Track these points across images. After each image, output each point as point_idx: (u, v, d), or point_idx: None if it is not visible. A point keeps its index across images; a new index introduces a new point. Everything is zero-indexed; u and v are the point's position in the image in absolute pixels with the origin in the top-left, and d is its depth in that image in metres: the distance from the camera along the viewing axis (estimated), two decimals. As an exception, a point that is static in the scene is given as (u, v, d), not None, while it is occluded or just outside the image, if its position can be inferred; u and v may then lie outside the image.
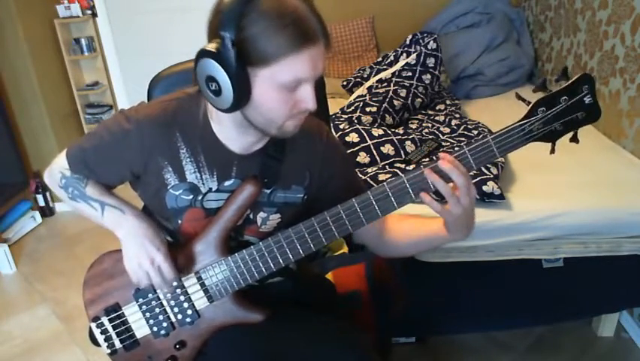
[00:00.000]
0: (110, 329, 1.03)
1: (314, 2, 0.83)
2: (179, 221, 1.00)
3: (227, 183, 0.98)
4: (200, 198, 0.98)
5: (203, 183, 0.97)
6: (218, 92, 0.82)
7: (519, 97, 0.92)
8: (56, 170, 1.02)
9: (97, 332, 1.03)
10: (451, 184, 0.88)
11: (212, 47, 0.80)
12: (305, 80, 0.83)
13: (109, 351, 1.04)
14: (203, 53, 0.81)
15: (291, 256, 0.96)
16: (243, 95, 0.82)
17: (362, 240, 1.12)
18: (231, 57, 0.78)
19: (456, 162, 0.86)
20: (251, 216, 1.02)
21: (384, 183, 0.90)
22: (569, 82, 0.83)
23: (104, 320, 1.03)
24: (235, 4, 0.78)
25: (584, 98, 0.83)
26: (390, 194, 0.90)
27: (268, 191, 1.00)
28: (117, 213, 0.98)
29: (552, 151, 0.88)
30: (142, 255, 0.94)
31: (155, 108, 0.96)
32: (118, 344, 1.03)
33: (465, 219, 0.93)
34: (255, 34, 0.78)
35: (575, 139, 0.88)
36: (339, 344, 1.00)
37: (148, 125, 0.94)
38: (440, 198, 0.89)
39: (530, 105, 0.86)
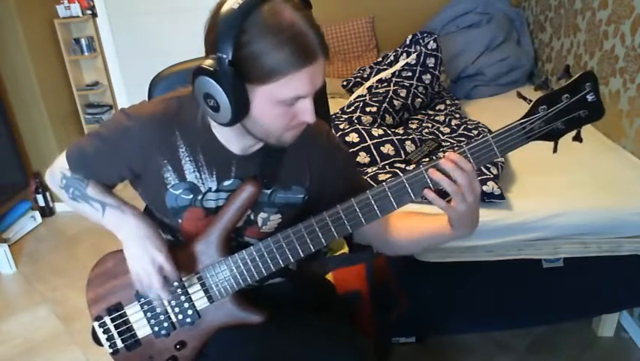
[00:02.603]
0: (112, 328, 1.03)
1: (312, 13, 0.82)
2: (180, 220, 1.01)
3: (226, 183, 0.98)
4: (200, 197, 0.98)
5: (202, 183, 0.97)
6: (216, 109, 0.83)
7: (520, 95, 0.90)
8: (57, 170, 1.02)
9: (99, 331, 1.03)
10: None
11: (209, 64, 0.79)
12: (304, 96, 0.83)
13: (111, 351, 1.04)
14: (200, 71, 0.80)
15: (290, 257, 0.96)
16: (241, 111, 0.83)
17: (366, 239, 1.12)
18: (229, 76, 0.78)
19: (459, 160, 0.85)
20: (252, 216, 1.02)
21: (384, 183, 0.90)
22: (571, 79, 0.82)
23: (107, 319, 1.03)
24: (231, 21, 0.77)
25: (587, 96, 0.82)
26: (389, 194, 0.90)
27: (268, 191, 1.00)
28: (118, 214, 0.98)
29: (554, 150, 0.87)
30: (144, 256, 0.94)
31: (156, 106, 0.96)
32: (120, 344, 1.04)
33: (470, 215, 0.92)
34: (252, 52, 0.77)
35: (578, 138, 0.86)
36: (338, 345, 1.00)
37: (148, 123, 0.94)
38: (444, 195, 0.89)
39: (531, 103, 0.84)
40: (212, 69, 0.79)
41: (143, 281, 0.95)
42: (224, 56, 0.77)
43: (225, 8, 0.78)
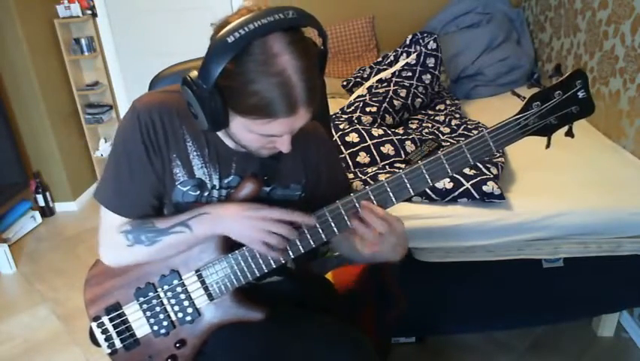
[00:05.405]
0: (110, 328, 1.03)
1: (312, 63, 0.80)
2: None
3: (226, 180, 0.99)
4: (206, 194, 0.99)
5: (209, 179, 0.98)
6: (196, 117, 0.85)
7: (514, 93, 0.93)
8: (113, 236, 0.97)
9: (97, 331, 1.03)
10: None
11: (194, 78, 0.80)
12: (279, 136, 0.85)
13: (109, 351, 1.04)
14: (185, 82, 0.81)
15: (290, 253, 0.96)
16: (218, 127, 0.85)
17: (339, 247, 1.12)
18: (209, 97, 0.79)
19: (374, 208, 0.88)
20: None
21: (383, 180, 0.91)
22: (563, 77, 0.85)
23: (105, 319, 1.03)
24: (228, 46, 0.75)
25: (578, 93, 0.85)
26: (388, 189, 0.91)
27: (268, 189, 1.01)
28: (204, 218, 0.93)
29: (547, 145, 0.90)
30: (256, 225, 0.90)
31: (158, 95, 0.97)
32: (118, 344, 1.03)
33: (393, 248, 0.94)
34: (237, 86, 0.78)
35: (570, 133, 0.89)
36: (338, 344, 1.00)
37: (154, 106, 0.94)
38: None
39: (525, 100, 0.87)
40: (194, 87, 0.80)
41: (277, 244, 0.91)
42: (205, 86, 0.77)
43: (230, 28, 0.76)
